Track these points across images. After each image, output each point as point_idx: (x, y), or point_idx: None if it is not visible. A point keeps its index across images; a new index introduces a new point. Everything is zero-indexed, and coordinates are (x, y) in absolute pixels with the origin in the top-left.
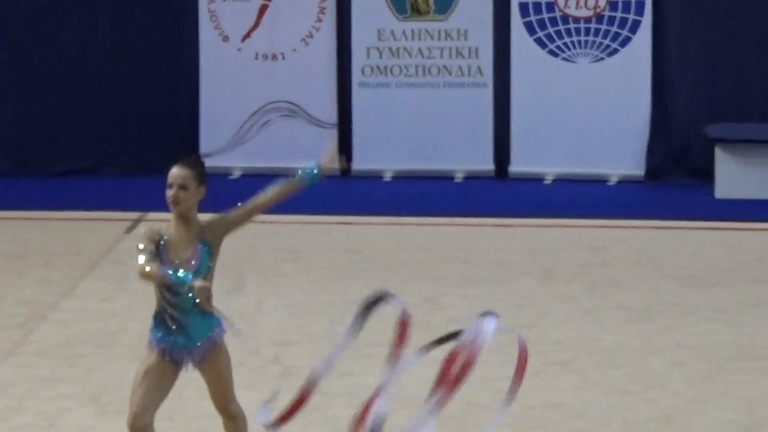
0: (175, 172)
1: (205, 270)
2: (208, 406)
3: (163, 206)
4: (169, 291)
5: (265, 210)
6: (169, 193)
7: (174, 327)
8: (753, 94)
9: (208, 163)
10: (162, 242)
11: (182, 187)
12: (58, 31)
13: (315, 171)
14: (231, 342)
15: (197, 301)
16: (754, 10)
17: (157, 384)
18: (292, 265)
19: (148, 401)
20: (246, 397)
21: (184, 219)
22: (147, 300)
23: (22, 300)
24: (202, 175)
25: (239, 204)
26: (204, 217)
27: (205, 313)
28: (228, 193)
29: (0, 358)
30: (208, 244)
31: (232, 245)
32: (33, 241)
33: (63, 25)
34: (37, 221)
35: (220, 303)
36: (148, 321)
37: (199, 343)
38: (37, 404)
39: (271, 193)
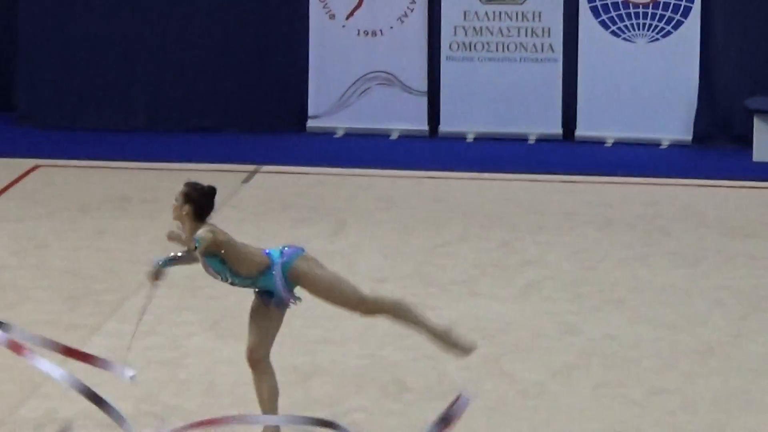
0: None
1: (222, 269)
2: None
3: (273, 159)
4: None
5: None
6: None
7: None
8: None
9: (316, 123)
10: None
11: (175, 199)
12: (191, 7)
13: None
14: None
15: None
16: None
17: (264, 323)
18: (386, 213)
19: (260, 337)
20: (338, 325)
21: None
22: (260, 238)
23: (154, 238)
24: (188, 197)
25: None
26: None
27: (258, 274)
28: (331, 149)
29: (133, 289)
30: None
31: (334, 194)
32: (164, 188)
33: (194, 3)
34: (167, 171)
35: (322, 243)
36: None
37: (274, 294)
38: (166, 329)
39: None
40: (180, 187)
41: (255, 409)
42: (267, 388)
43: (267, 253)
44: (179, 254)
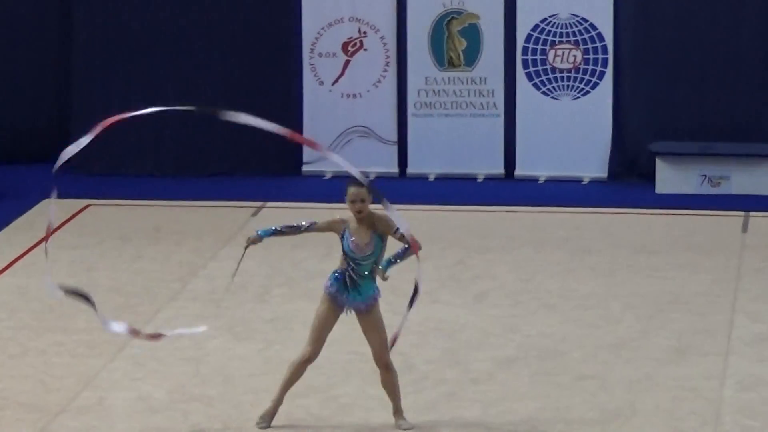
0: (354, 190)
1: (379, 251)
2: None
3: (276, 197)
4: (354, 262)
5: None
6: (355, 207)
7: (350, 284)
8: (683, 122)
9: (309, 167)
10: (345, 230)
11: (362, 200)
12: (208, 75)
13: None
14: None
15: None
16: (684, 65)
17: (327, 324)
18: None
19: (322, 341)
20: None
21: (362, 219)
22: (266, 259)
23: (181, 261)
24: (369, 189)
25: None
26: (376, 212)
27: (372, 279)
28: (321, 189)
29: (165, 302)
30: (380, 235)
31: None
32: (189, 221)
33: (211, 73)
34: (191, 207)
35: (315, 263)
36: (268, 277)
37: (364, 298)
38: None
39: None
40: (359, 200)
41: (266, 396)
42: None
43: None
44: (281, 229)
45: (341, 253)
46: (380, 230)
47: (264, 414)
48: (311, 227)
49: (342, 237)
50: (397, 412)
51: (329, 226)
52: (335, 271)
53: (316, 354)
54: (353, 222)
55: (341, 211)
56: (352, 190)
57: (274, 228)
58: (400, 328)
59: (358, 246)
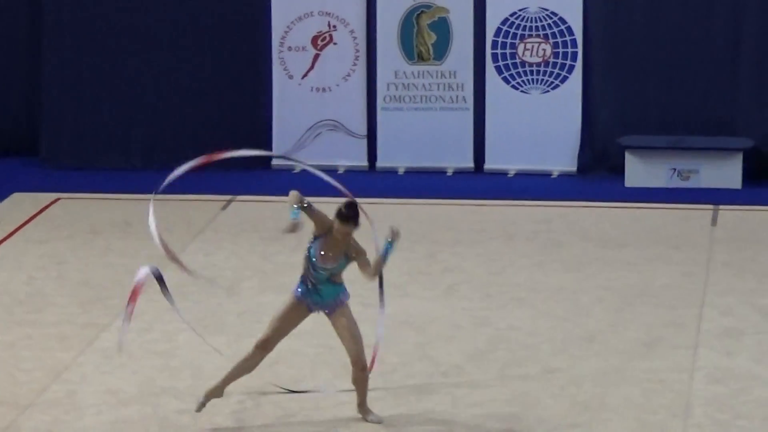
0: (351, 228)
1: (339, 270)
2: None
3: (245, 191)
4: (313, 268)
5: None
6: (343, 231)
7: (312, 288)
8: (652, 115)
9: (279, 161)
10: (323, 236)
11: (349, 235)
12: (178, 70)
13: (390, 244)
14: None
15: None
16: (653, 59)
17: (290, 321)
18: None
19: (280, 331)
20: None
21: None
22: (236, 253)
23: (150, 255)
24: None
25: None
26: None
27: (334, 282)
28: (291, 182)
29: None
30: (349, 260)
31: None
32: (158, 214)
33: (181, 67)
34: (161, 201)
35: (286, 257)
36: (231, 270)
37: (325, 302)
38: (161, 326)
39: (375, 267)
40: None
41: (236, 389)
42: (245, 367)
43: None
44: (305, 204)
45: (305, 257)
46: (351, 255)
47: (206, 394)
48: (312, 208)
49: (316, 239)
50: (363, 405)
51: (321, 220)
52: (301, 276)
53: (270, 342)
54: (334, 233)
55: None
56: (349, 225)
57: (297, 207)
58: (379, 341)
59: (324, 258)
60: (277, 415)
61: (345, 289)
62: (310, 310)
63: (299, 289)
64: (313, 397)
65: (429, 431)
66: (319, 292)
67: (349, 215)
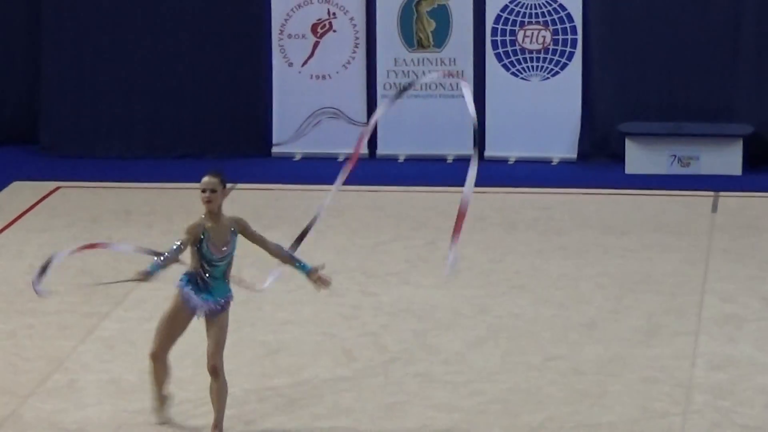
0: (206, 179)
1: (233, 250)
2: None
3: (245, 179)
4: (209, 264)
5: (266, 251)
6: (204, 195)
7: (202, 286)
8: (652, 102)
9: (279, 149)
10: (204, 234)
11: (213, 190)
12: (180, 58)
13: (307, 269)
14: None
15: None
16: (653, 46)
17: (177, 327)
18: (336, 220)
19: (169, 340)
20: (299, 309)
21: (215, 215)
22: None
23: (151, 244)
24: (225, 180)
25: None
26: (228, 214)
27: (225, 281)
28: (291, 170)
29: (135, 283)
30: (237, 234)
31: (294, 205)
32: (158, 203)
33: (183, 56)
34: (161, 189)
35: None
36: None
37: (215, 300)
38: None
39: (278, 250)
40: (209, 189)
41: (237, 378)
42: (162, 375)
43: None
44: (164, 260)
45: (195, 255)
46: (238, 230)
47: (155, 411)
48: (182, 246)
49: (201, 240)
50: (217, 427)
51: (191, 236)
52: (186, 272)
53: (161, 351)
54: (208, 222)
55: (299, 193)
56: (204, 179)
57: (159, 261)
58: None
59: (216, 247)
60: (278, 403)
61: (231, 290)
62: (194, 313)
63: (185, 286)
64: (315, 386)
65: (430, 419)
66: (211, 290)
67: (209, 170)
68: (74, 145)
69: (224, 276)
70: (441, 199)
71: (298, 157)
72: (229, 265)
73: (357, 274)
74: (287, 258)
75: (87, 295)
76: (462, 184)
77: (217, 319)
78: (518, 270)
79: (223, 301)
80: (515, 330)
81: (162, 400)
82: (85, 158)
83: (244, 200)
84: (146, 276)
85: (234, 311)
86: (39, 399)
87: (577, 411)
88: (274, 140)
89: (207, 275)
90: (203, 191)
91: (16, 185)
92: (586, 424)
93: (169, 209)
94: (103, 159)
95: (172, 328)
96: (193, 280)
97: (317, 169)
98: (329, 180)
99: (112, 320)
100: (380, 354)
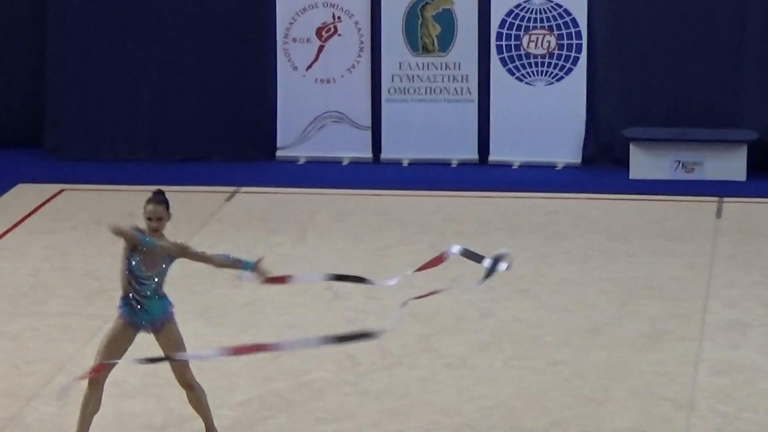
0: (152, 209)
1: (164, 275)
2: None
3: (250, 182)
4: (137, 282)
5: (208, 265)
6: (151, 224)
7: (138, 306)
8: (657, 107)
9: (283, 152)
10: (142, 247)
11: (159, 218)
12: (183, 62)
13: (251, 265)
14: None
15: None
16: (658, 51)
17: (119, 346)
18: (340, 224)
19: (109, 358)
20: (302, 312)
21: (159, 236)
22: (240, 245)
23: None
24: (168, 204)
25: (199, 251)
26: (169, 235)
27: (159, 296)
28: (296, 174)
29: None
30: (173, 259)
31: (298, 209)
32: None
33: (185, 59)
34: (165, 193)
35: (289, 248)
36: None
37: (154, 318)
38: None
39: (222, 260)
40: (155, 218)
41: (240, 382)
42: (93, 405)
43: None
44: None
45: (123, 270)
46: (176, 255)
47: None
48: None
49: (136, 251)
50: (210, 430)
51: (131, 237)
52: (122, 298)
53: (96, 372)
54: (146, 220)
55: (303, 197)
56: (149, 208)
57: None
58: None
59: (147, 266)
60: (280, 406)
61: (170, 301)
62: (137, 330)
63: (123, 312)
64: (318, 388)
65: (433, 423)
66: (147, 309)
67: (152, 197)
68: (78, 147)
69: (156, 293)
70: (445, 204)
71: (302, 161)
72: (160, 284)
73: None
74: (232, 263)
75: (90, 297)
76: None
77: (164, 335)
78: (522, 274)
79: (161, 317)
80: (519, 334)
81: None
82: (89, 161)
83: (248, 204)
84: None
85: (237, 314)
86: (42, 401)
87: (580, 416)
88: (279, 144)
89: (138, 294)
90: (149, 219)
91: (21, 187)
92: (590, 429)
93: (172, 212)
94: (107, 161)
95: (114, 349)
96: (127, 302)
97: (321, 173)
98: (333, 184)
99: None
100: (383, 358)
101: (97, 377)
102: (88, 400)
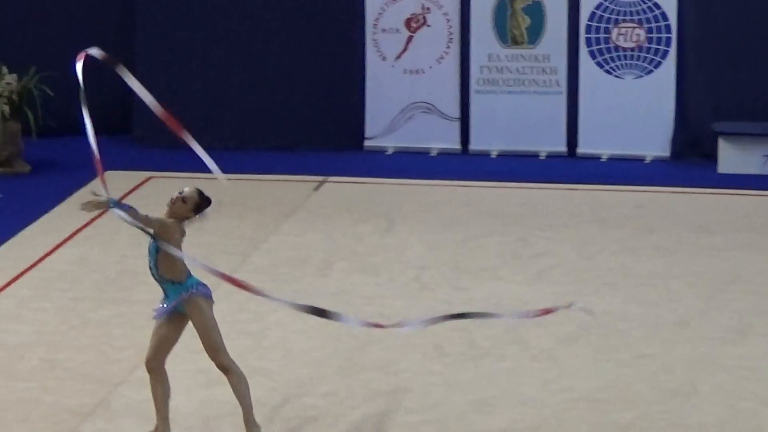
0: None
1: (154, 251)
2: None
3: (338, 172)
4: (151, 270)
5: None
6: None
7: (164, 294)
8: (746, 101)
9: (371, 143)
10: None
11: (183, 200)
12: (274, 51)
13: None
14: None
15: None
16: (748, 45)
17: (164, 335)
18: (428, 215)
19: (158, 348)
20: (389, 303)
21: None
22: (329, 234)
23: (242, 235)
24: (197, 207)
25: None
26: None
27: (173, 283)
28: (384, 164)
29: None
30: (157, 235)
31: (386, 200)
32: (250, 195)
33: (276, 49)
34: (252, 181)
35: (377, 238)
36: (323, 251)
37: (171, 300)
38: (253, 306)
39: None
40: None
41: (326, 371)
42: (161, 390)
43: (188, 274)
44: (129, 215)
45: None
46: (156, 230)
47: None
48: (150, 219)
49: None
50: (248, 423)
51: (99, 202)
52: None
53: (149, 360)
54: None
55: (390, 187)
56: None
57: (127, 208)
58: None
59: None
60: (367, 396)
61: (189, 287)
62: (171, 315)
63: (161, 303)
64: (404, 379)
65: (519, 414)
66: (167, 294)
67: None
68: (166, 135)
69: (165, 277)
70: (533, 196)
71: (390, 151)
72: (163, 267)
73: (448, 269)
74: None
75: None
76: (554, 181)
77: (193, 317)
78: (609, 267)
79: (179, 300)
80: (605, 327)
81: (164, 422)
82: (177, 149)
83: (336, 193)
84: (99, 206)
85: (325, 304)
86: (128, 388)
87: (666, 410)
88: (367, 134)
89: (157, 281)
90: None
91: (108, 175)
92: (676, 423)
93: (261, 201)
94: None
95: (155, 336)
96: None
97: (409, 164)
98: (421, 174)
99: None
100: (470, 349)
101: (152, 365)
102: (155, 389)
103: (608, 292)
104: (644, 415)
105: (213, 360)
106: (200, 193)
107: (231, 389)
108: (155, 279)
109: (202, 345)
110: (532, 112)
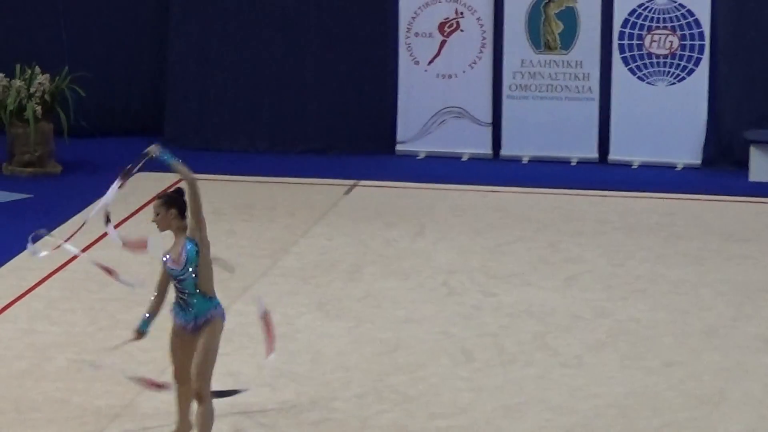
0: (154, 203)
1: (193, 257)
2: None
3: (369, 176)
4: (177, 280)
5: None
6: (153, 219)
7: (183, 305)
8: None
9: (403, 147)
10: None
11: (156, 213)
12: (307, 57)
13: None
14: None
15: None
16: None
17: (185, 350)
18: (458, 220)
19: (183, 361)
20: (418, 307)
21: (175, 231)
22: (359, 238)
23: (272, 238)
24: (170, 202)
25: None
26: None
27: (204, 296)
28: (415, 168)
29: (255, 278)
30: (194, 245)
31: (417, 204)
32: (281, 197)
33: (308, 55)
34: (284, 184)
35: (407, 243)
36: (353, 255)
37: (194, 316)
38: (282, 309)
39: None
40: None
41: (355, 375)
42: (185, 396)
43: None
44: (148, 315)
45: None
46: (189, 233)
47: None
48: (161, 282)
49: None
50: None
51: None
52: (174, 299)
53: (179, 373)
54: (171, 241)
55: (422, 192)
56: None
57: (145, 316)
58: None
59: (173, 260)
60: (395, 400)
61: (217, 305)
62: (186, 330)
63: (173, 313)
64: (433, 384)
65: (547, 421)
66: (192, 306)
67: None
68: (198, 137)
69: (198, 290)
70: (564, 202)
71: (422, 156)
72: (195, 276)
73: (478, 274)
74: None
75: None
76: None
77: (202, 336)
78: (639, 274)
79: (202, 320)
80: (634, 334)
81: (184, 422)
82: (209, 151)
83: (367, 197)
84: (140, 334)
85: (353, 308)
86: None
87: (694, 417)
88: (399, 138)
89: (181, 293)
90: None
91: (139, 176)
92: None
93: (291, 204)
94: (227, 152)
95: (174, 352)
96: (177, 304)
97: (441, 168)
98: (452, 179)
99: (231, 314)
100: (499, 355)
101: (183, 377)
102: (181, 394)
103: (637, 299)
104: (672, 423)
105: (194, 384)
106: (164, 196)
107: (197, 417)
108: (183, 288)
109: (194, 365)
110: (564, 118)
